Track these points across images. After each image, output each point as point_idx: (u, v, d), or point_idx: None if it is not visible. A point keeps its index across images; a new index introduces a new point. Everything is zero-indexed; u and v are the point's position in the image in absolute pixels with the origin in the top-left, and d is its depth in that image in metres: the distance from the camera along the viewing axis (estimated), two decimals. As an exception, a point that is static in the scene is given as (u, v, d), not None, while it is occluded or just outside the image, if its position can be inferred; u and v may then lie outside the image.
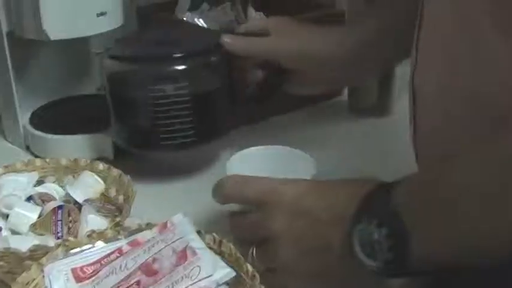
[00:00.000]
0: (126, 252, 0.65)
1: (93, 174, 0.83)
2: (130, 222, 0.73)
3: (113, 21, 0.99)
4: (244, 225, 0.68)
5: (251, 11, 1.22)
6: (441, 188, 0.55)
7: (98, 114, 1.08)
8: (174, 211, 0.70)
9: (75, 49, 1.12)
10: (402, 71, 1.16)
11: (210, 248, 0.65)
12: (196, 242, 0.64)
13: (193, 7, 1.20)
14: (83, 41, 1.12)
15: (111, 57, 0.92)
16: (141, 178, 0.87)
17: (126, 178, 0.81)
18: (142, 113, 0.92)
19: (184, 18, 1.15)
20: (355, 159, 1.00)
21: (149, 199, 0.85)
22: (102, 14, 0.96)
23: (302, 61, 0.90)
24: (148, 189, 0.88)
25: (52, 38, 0.94)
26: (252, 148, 0.81)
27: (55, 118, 1.07)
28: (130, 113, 0.94)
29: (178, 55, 0.89)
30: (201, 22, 1.14)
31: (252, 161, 0.80)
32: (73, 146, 1.00)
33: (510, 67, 0.56)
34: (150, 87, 0.88)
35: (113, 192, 0.83)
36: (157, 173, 0.96)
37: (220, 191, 0.70)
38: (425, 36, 0.66)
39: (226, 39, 0.90)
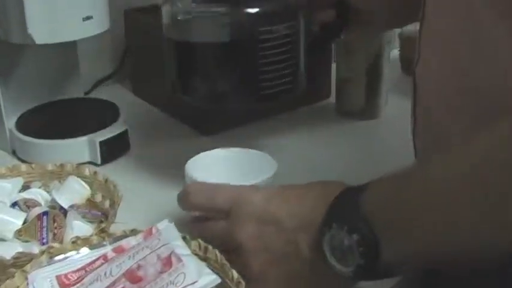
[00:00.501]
0: (111, 259, 0.65)
1: (79, 179, 0.83)
2: (116, 228, 0.72)
3: (99, 25, 0.98)
4: (212, 233, 0.69)
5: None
6: (410, 192, 0.55)
7: (85, 119, 1.09)
8: (160, 217, 0.70)
9: (62, 53, 1.12)
10: (391, 76, 1.17)
11: (196, 255, 0.64)
12: (182, 249, 0.63)
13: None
14: (70, 45, 1.12)
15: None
16: (127, 183, 0.86)
17: (112, 184, 0.81)
18: (242, 59, 0.82)
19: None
20: (341, 162, 1.00)
21: (135, 205, 0.84)
22: (88, 18, 0.95)
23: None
24: (135, 195, 0.87)
25: (38, 42, 0.93)
26: (212, 151, 0.82)
27: (42, 122, 1.06)
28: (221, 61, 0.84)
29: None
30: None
31: (211, 164, 0.81)
32: (60, 150, 0.99)
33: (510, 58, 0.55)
34: (257, 28, 0.79)
35: (99, 198, 0.83)
36: (144, 178, 0.96)
37: (186, 200, 0.71)
38: (427, 29, 0.66)
39: None
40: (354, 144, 1.08)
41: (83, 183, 0.83)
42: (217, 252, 0.64)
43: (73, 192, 0.82)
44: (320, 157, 1.02)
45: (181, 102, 1.13)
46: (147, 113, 1.21)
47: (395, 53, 1.36)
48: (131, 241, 0.67)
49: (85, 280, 0.63)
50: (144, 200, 0.89)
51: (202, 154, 0.81)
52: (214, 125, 1.08)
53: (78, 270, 0.65)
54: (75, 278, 0.64)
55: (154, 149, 1.06)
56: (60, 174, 0.86)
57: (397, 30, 1.43)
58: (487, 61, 0.58)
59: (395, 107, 1.17)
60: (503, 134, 0.48)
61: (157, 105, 1.21)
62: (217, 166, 0.81)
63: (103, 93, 1.23)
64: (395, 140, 1.09)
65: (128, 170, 0.99)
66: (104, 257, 0.66)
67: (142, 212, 0.83)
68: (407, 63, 1.36)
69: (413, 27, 1.49)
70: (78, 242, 0.67)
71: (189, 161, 0.78)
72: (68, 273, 0.64)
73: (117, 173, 0.92)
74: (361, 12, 0.92)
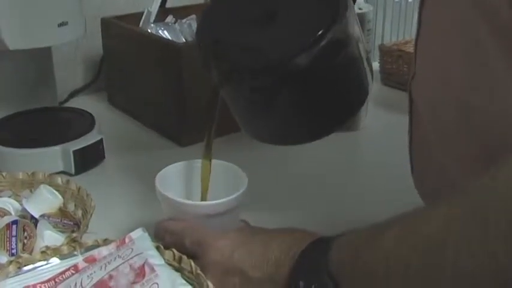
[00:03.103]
0: (82, 269, 0.63)
1: (51, 188, 0.80)
2: (89, 238, 0.70)
3: (74, 31, 0.96)
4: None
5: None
6: (376, 255, 0.53)
7: (59, 128, 1.06)
8: (134, 227, 0.67)
9: (37, 62, 1.10)
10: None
11: (170, 265, 0.62)
12: (155, 258, 0.61)
13: (158, 19, 1.18)
14: (45, 54, 1.10)
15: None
16: (102, 193, 0.84)
17: (85, 192, 0.79)
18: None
19: (149, 30, 1.13)
20: (319, 175, 0.99)
21: (109, 215, 0.82)
22: (63, 24, 0.94)
23: None
24: (109, 205, 0.85)
25: (11, 48, 0.91)
26: (182, 162, 0.79)
27: (14, 131, 1.04)
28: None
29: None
30: (165, 34, 1.12)
31: (183, 176, 0.79)
32: (32, 160, 0.96)
33: (504, 75, 0.54)
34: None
35: (71, 207, 0.80)
36: (119, 188, 0.94)
37: (159, 239, 0.69)
38: (422, 44, 0.65)
39: None
40: (333, 156, 1.06)
41: (55, 192, 0.80)
42: (191, 262, 0.62)
43: (44, 201, 0.79)
44: (297, 170, 1.01)
45: (157, 113, 1.12)
46: (123, 123, 1.19)
47: (375, 65, 1.35)
48: (103, 251, 0.64)
49: (54, 291, 0.61)
50: (118, 210, 0.87)
51: (172, 166, 0.79)
52: (190, 136, 1.06)
53: (47, 281, 0.62)
54: (44, 289, 0.62)
55: (129, 159, 1.04)
56: (31, 183, 0.84)
57: (378, 42, 1.43)
58: (477, 77, 0.56)
59: (375, 119, 1.16)
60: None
61: (134, 115, 1.19)
62: (188, 178, 0.79)
63: (79, 103, 1.21)
64: (376, 152, 1.08)
65: (102, 180, 0.96)
66: (75, 268, 0.63)
67: (116, 222, 0.81)
68: (387, 75, 1.36)
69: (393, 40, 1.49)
70: (48, 252, 0.65)
71: (158, 174, 0.76)
72: (37, 284, 0.62)
73: (91, 183, 0.90)
74: None
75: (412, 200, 0.65)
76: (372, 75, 0.73)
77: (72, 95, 1.30)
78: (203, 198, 0.76)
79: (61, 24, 0.93)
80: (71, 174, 0.96)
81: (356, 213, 0.85)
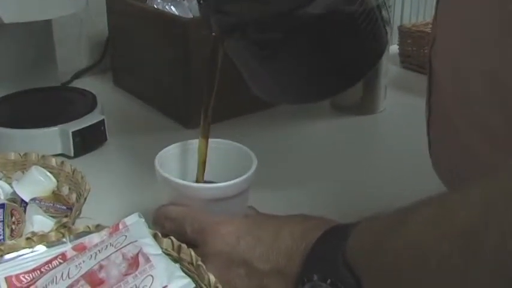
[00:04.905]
0: (70, 258, 0.56)
1: (44, 170, 0.74)
2: (81, 223, 0.64)
3: (73, 4, 0.90)
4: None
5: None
6: (400, 242, 0.46)
7: (59, 108, 1.01)
8: (133, 213, 0.61)
9: (37, 40, 1.04)
10: (390, 71, 1.10)
11: (168, 254, 0.56)
12: (151, 247, 0.55)
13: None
14: (45, 29, 1.04)
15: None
16: (101, 177, 0.79)
17: (80, 175, 0.73)
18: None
19: (155, 6, 1.07)
20: (334, 159, 0.94)
21: (107, 200, 0.77)
22: (60, -5, 0.88)
23: None
24: (107, 190, 0.80)
25: (6, 21, 0.86)
26: (185, 142, 0.72)
27: (12, 111, 0.99)
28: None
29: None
30: (173, 10, 1.06)
31: (185, 156, 0.72)
32: (29, 141, 0.90)
33: None
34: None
35: (65, 191, 0.74)
36: (119, 172, 0.89)
37: (158, 227, 0.64)
38: (446, 7, 0.58)
39: None
40: (349, 140, 1.01)
41: (48, 174, 0.74)
42: (191, 252, 0.55)
43: (36, 183, 0.73)
44: (313, 154, 0.95)
45: (163, 94, 1.06)
46: (128, 105, 1.13)
47: (394, 47, 1.29)
48: (94, 238, 0.58)
49: (38, 283, 0.55)
50: (116, 194, 0.81)
51: (173, 146, 0.71)
52: (198, 117, 0.99)
53: (31, 271, 0.56)
54: (28, 279, 0.56)
55: (133, 141, 0.98)
56: (24, 165, 0.78)
57: (397, 23, 1.36)
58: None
59: (394, 102, 1.11)
60: None
61: (139, 96, 1.13)
62: (191, 158, 0.72)
63: (83, 84, 1.15)
64: (394, 136, 1.03)
65: (102, 163, 0.91)
66: (63, 256, 0.57)
67: (114, 208, 0.75)
68: (406, 58, 1.29)
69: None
70: (33, 239, 0.59)
71: (158, 154, 0.69)
72: (20, 274, 0.56)
73: (90, 165, 0.85)
74: None
75: (432, 185, 0.59)
76: (389, 29, 0.67)
77: (77, 75, 1.25)
78: (198, 181, 0.69)
79: (58, -4, 0.87)
80: (70, 157, 0.91)
81: (374, 199, 0.79)
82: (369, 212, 0.52)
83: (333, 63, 0.64)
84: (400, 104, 1.12)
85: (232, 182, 0.64)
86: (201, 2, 0.64)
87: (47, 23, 1.05)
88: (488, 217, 0.39)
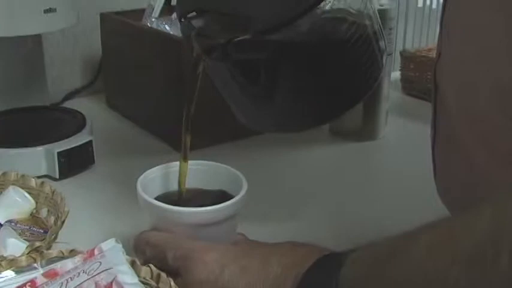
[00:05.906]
0: (40, 286, 0.52)
1: (22, 190, 0.70)
2: (57, 248, 0.60)
3: (63, 19, 0.87)
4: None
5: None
6: (395, 271, 0.44)
7: (46, 128, 0.97)
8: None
9: (26, 55, 1.01)
10: (391, 96, 1.07)
11: (145, 284, 0.52)
12: (127, 276, 0.51)
13: (162, 15, 1.09)
14: (35, 45, 1.01)
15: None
16: (86, 200, 0.77)
17: (60, 196, 0.69)
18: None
19: (148, 24, 1.04)
20: (333, 186, 0.90)
21: (87, 225, 0.73)
22: (50, 10, 0.84)
23: None
24: (89, 214, 0.76)
25: (-6, 34, 0.83)
26: (170, 163, 0.69)
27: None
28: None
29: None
30: (167, 29, 1.03)
31: (170, 178, 0.68)
32: (13, 161, 0.86)
33: None
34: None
35: (44, 213, 0.70)
36: (104, 196, 0.84)
37: (139, 254, 0.60)
38: (451, 18, 0.56)
39: None
40: (348, 167, 0.97)
41: (27, 195, 0.70)
42: (171, 282, 0.51)
43: (13, 204, 0.69)
44: (310, 180, 0.91)
45: (155, 115, 1.02)
46: (120, 127, 1.10)
47: (396, 74, 1.26)
48: (68, 264, 0.54)
49: (3, 311, 0.50)
50: (99, 220, 0.77)
51: (156, 168, 0.68)
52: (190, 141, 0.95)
53: (-4, 298, 0.52)
54: (-7, 308, 0.51)
55: (122, 164, 0.94)
56: (1, 184, 0.74)
57: (399, 49, 1.33)
58: None
59: (395, 129, 1.08)
60: None
61: (131, 118, 1.10)
62: (175, 181, 0.68)
63: (75, 105, 1.11)
64: (395, 163, 1.00)
65: (88, 186, 0.87)
66: (32, 283, 0.53)
67: (94, 233, 0.71)
68: (408, 84, 1.26)
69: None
70: (2, 263, 0.54)
71: (141, 177, 0.65)
72: (-16, 302, 0.52)
73: (75, 188, 0.82)
74: None
75: (434, 212, 0.55)
76: (385, 55, 0.64)
77: (69, 96, 1.21)
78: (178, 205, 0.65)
79: (48, 11, 0.84)
80: (55, 179, 0.87)
81: (374, 228, 0.75)
82: (367, 239, 0.49)
83: (320, 89, 0.60)
84: (401, 131, 1.09)
85: (219, 206, 0.60)
86: (182, 20, 0.61)
87: (38, 42, 1.02)
88: (497, 241, 0.37)
